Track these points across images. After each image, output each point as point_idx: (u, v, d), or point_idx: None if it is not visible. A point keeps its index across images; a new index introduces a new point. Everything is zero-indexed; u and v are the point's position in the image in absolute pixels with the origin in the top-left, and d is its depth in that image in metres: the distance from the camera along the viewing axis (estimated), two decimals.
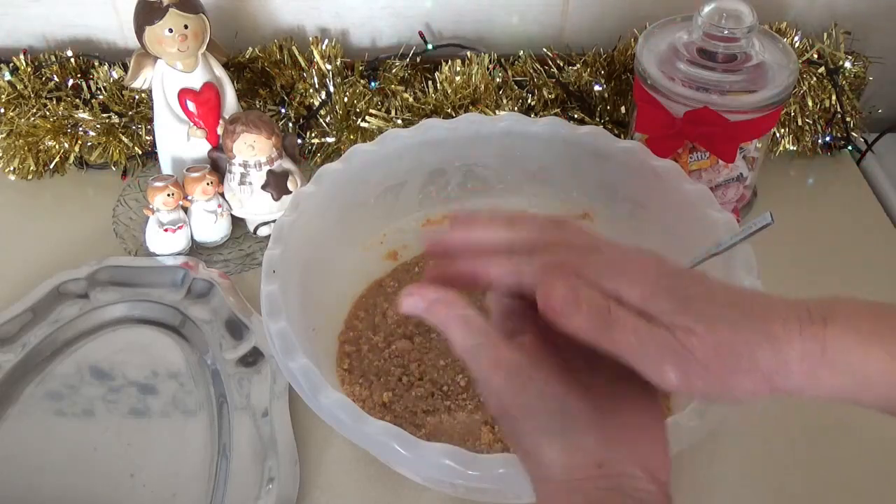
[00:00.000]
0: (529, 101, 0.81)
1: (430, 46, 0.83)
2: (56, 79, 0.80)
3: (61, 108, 0.79)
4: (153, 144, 0.79)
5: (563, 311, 0.35)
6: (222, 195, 0.73)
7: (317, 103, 0.80)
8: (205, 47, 0.71)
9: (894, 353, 0.34)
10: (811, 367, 0.34)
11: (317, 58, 0.79)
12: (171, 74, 0.71)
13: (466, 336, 0.37)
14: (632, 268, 0.36)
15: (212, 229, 0.74)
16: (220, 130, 0.74)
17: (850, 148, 0.85)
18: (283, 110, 0.81)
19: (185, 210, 0.73)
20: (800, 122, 0.81)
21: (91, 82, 0.81)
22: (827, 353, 0.34)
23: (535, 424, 0.35)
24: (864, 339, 0.34)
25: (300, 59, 0.80)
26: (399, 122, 0.78)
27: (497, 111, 0.78)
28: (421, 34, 0.84)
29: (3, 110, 0.79)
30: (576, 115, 0.81)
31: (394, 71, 0.81)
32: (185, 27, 0.68)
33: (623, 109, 0.81)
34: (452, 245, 0.41)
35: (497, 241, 0.40)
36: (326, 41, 0.80)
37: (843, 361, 0.34)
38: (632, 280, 0.35)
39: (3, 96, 0.79)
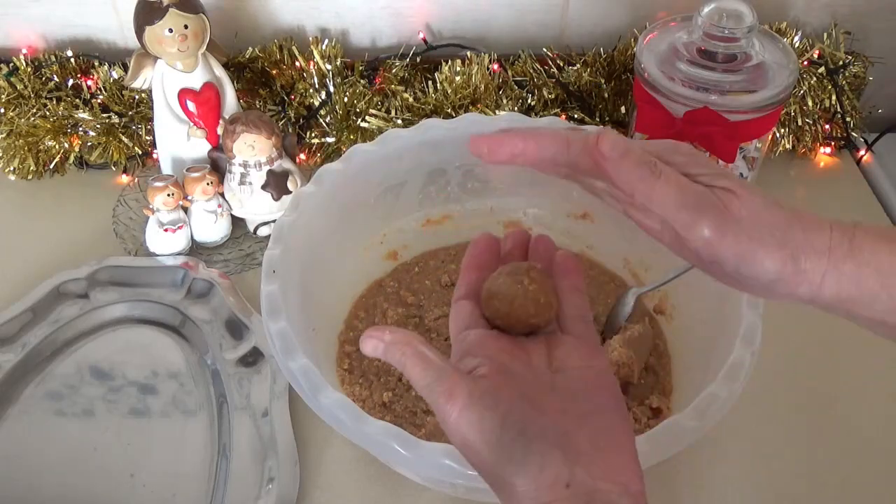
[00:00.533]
0: (529, 101, 0.81)
1: (429, 46, 0.83)
2: (56, 79, 0.80)
3: (61, 108, 0.79)
4: (153, 144, 0.79)
5: (612, 155, 0.36)
6: (222, 195, 0.73)
7: (317, 103, 0.80)
8: (205, 47, 0.71)
9: None
10: (836, 258, 0.35)
11: (317, 58, 0.79)
12: (171, 74, 0.71)
13: (423, 373, 0.38)
14: (672, 143, 0.38)
15: (212, 229, 0.74)
16: (220, 130, 0.74)
17: (850, 148, 0.85)
18: (283, 110, 0.81)
19: (185, 210, 0.73)
20: (800, 122, 0.81)
21: (91, 82, 0.81)
22: (854, 244, 0.35)
23: (497, 452, 0.35)
24: (890, 241, 0.35)
25: (300, 59, 0.80)
26: (399, 122, 0.78)
27: (497, 111, 0.78)
28: (424, 39, 0.84)
29: (3, 110, 0.79)
30: (576, 115, 0.81)
31: (394, 71, 0.81)
32: (185, 27, 0.68)
33: (623, 109, 0.81)
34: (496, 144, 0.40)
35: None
36: (326, 41, 0.80)
37: (868, 255, 0.35)
38: (673, 149, 0.37)
39: (3, 96, 0.79)
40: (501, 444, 0.35)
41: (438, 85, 0.79)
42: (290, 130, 0.80)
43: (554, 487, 0.34)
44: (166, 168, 0.77)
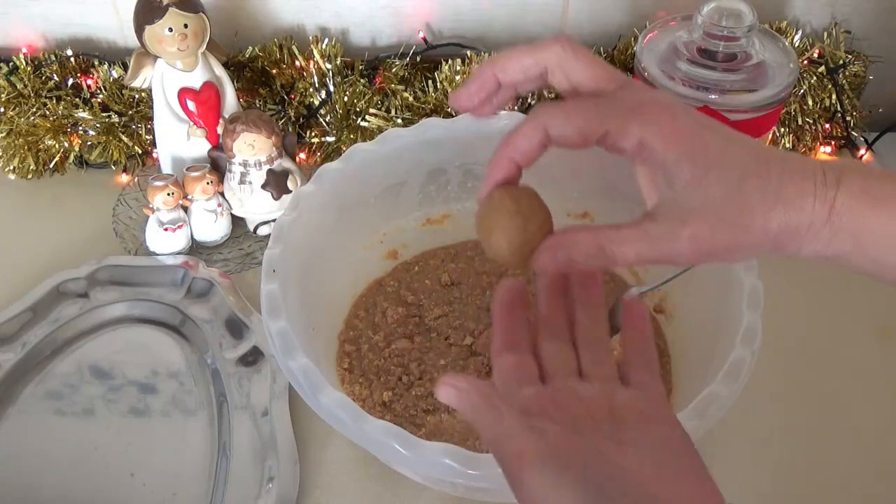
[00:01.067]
0: (529, 100, 0.81)
1: (429, 46, 0.83)
2: (56, 78, 0.80)
3: (61, 107, 0.79)
4: (153, 144, 0.79)
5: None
6: (222, 194, 0.73)
7: (317, 102, 0.80)
8: (205, 46, 0.71)
9: None
10: (815, 230, 0.35)
11: (317, 57, 0.79)
12: (170, 73, 0.71)
13: (492, 430, 0.36)
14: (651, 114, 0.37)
15: (212, 228, 0.74)
16: (220, 130, 0.74)
17: (850, 147, 0.85)
18: (283, 110, 0.81)
19: (185, 209, 0.73)
20: (800, 122, 0.81)
21: (91, 81, 0.81)
22: (833, 215, 0.35)
23: None
24: (873, 201, 0.35)
25: (300, 58, 0.80)
26: (399, 121, 0.78)
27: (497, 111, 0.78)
28: (424, 39, 0.84)
29: (2, 109, 0.78)
30: None
31: (394, 70, 0.81)
32: (185, 26, 0.68)
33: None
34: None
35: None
36: (326, 40, 0.80)
37: (848, 223, 0.35)
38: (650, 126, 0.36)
39: (2, 95, 0.78)
40: None
41: (438, 84, 0.79)
42: (290, 130, 0.80)
43: None
44: (166, 167, 0.77)
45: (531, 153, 0.39)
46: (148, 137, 0.80)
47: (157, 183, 0.71)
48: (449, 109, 0.78)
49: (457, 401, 0.37)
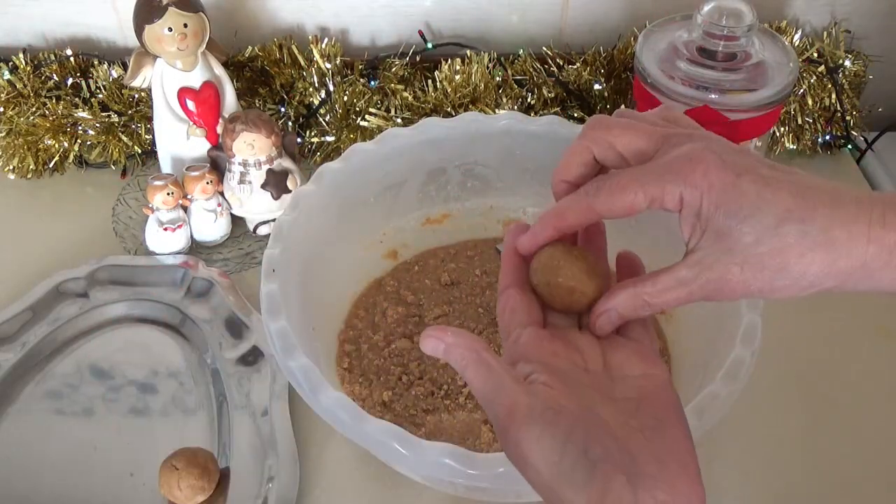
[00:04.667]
0: (529, 99, 0.81)
1: (429, 45, 0.83)
2: (55, 78, 0.80)
3: (61, 106, 0.79)
4: (153, 143, 0.79)
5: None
6: (222, 194, 0.73)
7: (316, 102, 0.80)
8: (204, 46, 0.71)
9: None
10: (872, 271, 0.36)
11: (316, 56, 0.79)
12: (170, 73, 0.71)
13: (483, 383, 0.37)
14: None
15: (211, 228, 0.74)
16: (219, 129, 0.74)
17: (850, 146, 0.85)
18: (282, 109, 0.81)
19: (185, 209, 0.73)
20: (800, 121, 0.81)
21: (90, 81, 0.80)
22: (894, 257, 0.35)
23: (557, 473, 0.34)
24: None
25: (300, 57, 0.80)
26: (399, 120, 0.78)
27: (497, 110, 0.78)
28: (420, 33, 0.84)
29: (2, 109, 0.78)
30: (576, 114, 0.81)
31: (393, 70, 0.81)
32: (185, 26, 0.68)
33: (623, 108, 0.81)
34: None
35: None
36: (326, 40, 0.80)
37: None
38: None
39: (2, 95, 0.78)
40: (562, 466, 0.34)
41: (438, 84, 0.79)
42: (291, 129, 0.80)
43: None
44: (166, 167, 0.77)
45: (577, 227, 0.42)
46: (147, 137, 0.80)
47: (157, 183, 0.70)
48: (448, 109, 0.78)
49: (443, 353, 0.38)
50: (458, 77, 0.79)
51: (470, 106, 0.78)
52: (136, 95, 0.80)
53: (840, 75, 0.81)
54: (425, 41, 0.83)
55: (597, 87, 0.80)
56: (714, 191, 0.36)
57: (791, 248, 0.35)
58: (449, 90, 0.79)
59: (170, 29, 0.68)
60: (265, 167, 0.71)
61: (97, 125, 0.79)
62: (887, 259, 0.35)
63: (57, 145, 0.79)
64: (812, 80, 0.80)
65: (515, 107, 0.80)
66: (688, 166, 0.37)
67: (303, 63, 0.80)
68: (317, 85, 0.79)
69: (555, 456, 0.34)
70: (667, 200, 0.37)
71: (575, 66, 0.81)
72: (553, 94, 0.81)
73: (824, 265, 0.36)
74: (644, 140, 0.39)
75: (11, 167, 0.80)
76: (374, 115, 0.79)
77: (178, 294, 0.69)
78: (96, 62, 0.81)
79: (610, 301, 0.40)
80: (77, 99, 0.80)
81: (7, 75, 0.79)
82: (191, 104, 0.72)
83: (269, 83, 0.82)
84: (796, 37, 0.81)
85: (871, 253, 0.35)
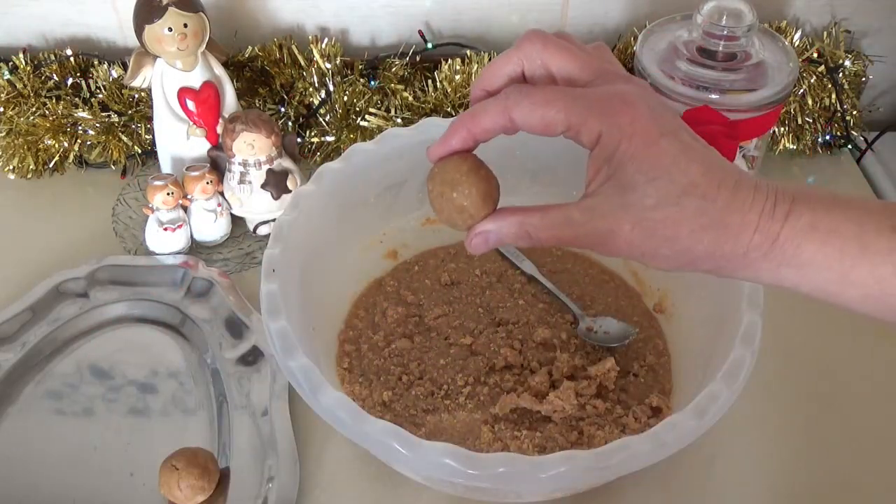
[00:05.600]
0: None
1: (429, 45, 0.83)
2: (55, 78, 0.80)
3: (61, 106, 0.79)
4: (153, 143, 0.79)
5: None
6: (222, 194, 0.73)
7: (316, 102, 0.80)
8: (204, 46, 0.71)
9: (846, 250, 0.35)
10: (751, 260, 0.36)
11: (316, 56, 0.79)
12: (170, 73, 0.71)
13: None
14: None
15: (211, 228, 0.74)
16: (219, 129, 0.74)
17: (849, 146, 0.85)
18: (282, 109, 0.81)
19: (185, 209, 0.73)
20: (800, 121, 0.81)
21: (90, 81, 0.80)
22: (775, 248, 0.36)
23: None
24: (820, 235, 0.35)
25: (300, 57, 0.80)
26: (399, 120, 0.78)
27: None
28: (420, 33, 0.84)
29: (2, 109, 0.78)
30: None
31: (393, 70, 0.81)
32: (185, 26, 0.68)
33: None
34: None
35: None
36: (326, 40, 0.80)
37: (792, 257, 0.36)
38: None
39: (2, 95, 0.78)
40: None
41: (438, 84, 0.79)
42: (291, 129, 0.80)
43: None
44: (166, 167, 0.77)
45: (491, 133, 0.40)
46: (147, 137, 0.80)
47: (157, 182, 0.70)
48: (448, 109, 0.78)
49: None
50: (458, 77, 0.79)
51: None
52: (136, 95, 0.80)
53: (840, 75, 0.81)
54: (425, 41, 0.83)
55: None
56: (635, 140, 0.36)
57: (686, 222, 0.36)
58: (449, 90, 0.79)
59: (170, 29, 0.68)
60: (265, 167, 0.71)
61: (97, 125, 0.79)
62: (767, 250, 0.36)
63: (57, 145, 0.79)
64: (812, 80, 0.80)
65: None
66: (618, 107, 0.36)
67: (303, 63, 0.80)
68: (317, 85, 0.79)
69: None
70: (584, 132, 0.37)
71: None
72: None
73: (710, 246, 0.36)
74: (579, 67, 0.39)
75: (11, 167, 0.80)
76: (374, 115, 0.79)
77: (178, 294, 0.69)
78: (96, 62, 0.81)
79: (493, 223, 0.40)
80: (77, 99, 0.80)
81: (7, 75, 0.79)
82: (191, 104, 0.72)
83: (269, 83, 0.82)
84: (796, 37, 0.81)
85: (754, 242, 0.36)
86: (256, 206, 0.73)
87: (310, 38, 0.81)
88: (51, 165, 0.80)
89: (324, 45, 0.80)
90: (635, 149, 0.36)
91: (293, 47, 0.81)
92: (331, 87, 0.79)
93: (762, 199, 0.36)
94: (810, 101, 0.81)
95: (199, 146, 0.74)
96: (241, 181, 0.72)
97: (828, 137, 0.83)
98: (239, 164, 0.71)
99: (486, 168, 0.42)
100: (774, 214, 0.36)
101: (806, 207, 0.36)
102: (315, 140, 0.80)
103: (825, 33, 0.83)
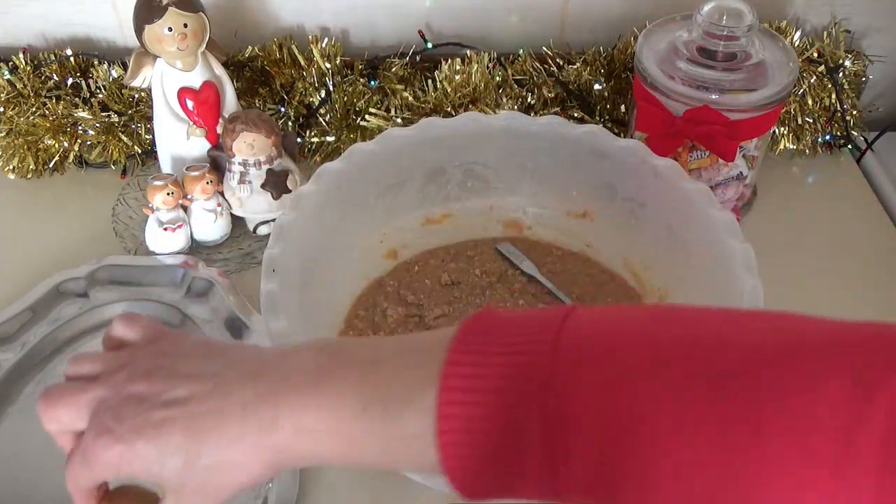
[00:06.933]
0: (529, 99, 0.81)
1: (429, 45, 0.83)
2: (55, 78, 0.80)
3: (61, 106, 0.79)
4: (153, 143, 0.79)
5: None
6: (222, 194, 0.73)
7: (316, 102, 0.80)
8: (204, 46, 0.71)
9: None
10: (268, 475, 0.38)
11: (316, 56, 0.79)
12: (170, 73, 0.71)
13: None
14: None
15: (211, 228, 0.73)
16: (219, 129, 0.74)
17: (849, 146, 0.85)
18: (282, 109, 0.81)
19: (185, 209, 0.73)
20: (800, 121, 0.81)
21: (90, 81, 0.80)
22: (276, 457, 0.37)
23: None
24: (313, 439, 0.36)
25: (300, 57, 0.80)
26: (399, 120, 0.78)
27: (497, 110, 0.78)
28: (420, 33, 0.84)
29: (2, 109, 0.78)
30: (575, 114, 0.81)
31: (393, 70, 0.81)
32: (185, 26, 0.68)
33: (623, 108, 0.81)
34: None
35: None
36: (326, 40, 0.80)
37: (286, 459, 0.37)
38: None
39: (2, 95, 0.78)
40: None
41: (438, 84, 0.79)
42: (291, 129, 0.80)
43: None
44: (166, 167, 0.77)
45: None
46: (147, 137, 0.80)
47: (157, 182, 0.70)
48: (448, 109, 0.78)
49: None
50: (458, 77, 0.79)
51: (470, 106, 0.78)
52: (136, 95, 0.80)
53: (840, 75, 0.81)
54: (425, 41, 0.83)
55: (597, 87, 0.80)
56: (123, 465, 0.38)
57: (209, 480, 0.37)
58: (449, 90, 0.79)
59: (170, 29, 0.68)
60: (265, 167, 0.71)
61: (97, 125, 0.79)
62: (270, 460, 0.37)
63: (57, 145, 0.79)
64: (812, 80, 0.80)
65: (515, 107, 0.80)
66: (90, 455, 0.40)
67: (303, 63, 0.80)
68: (317, 85, 0.79)
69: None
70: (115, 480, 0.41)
71: (575, 66, 0.81)
72: (553, 94, 0.81)
73: (234, 486, 0.37)
74: (77, 416, 0.41)
75: (11, 167, 0.80)
76: (374, 115, 0.79)
77: (177, 294, 0.69)
78: (96, 62, 0.81)
79: None
80: (77, 99, 0.80)
81: (7, 75, 0.79)
82: (191, 104, 0.72)
83: (269, 83, 0.82)
84: (796, 37, 0.81)
85: (265, 461, 0.37)
86: (256, 206, 0.73)
87: (310, 38, 0.81)
88: (51, 165, 0.81)
89: (324, 45, 0.80)
90: (129, 470, 0.39)
91: (293, 47, 0.81)
92: (331, 87, 0.79)
93: (254, 418, 0.37)
94: (810, 101, 0.81)
95: (199, 146, 0.74)
96: (241, 181, 0.72)
97: (828, 137, 0.83)
98: (239, 164, 0.71)
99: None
100: (276, 427, 0.36)
101: (294, 415, 0.37)
102: (315, 140, 0.80)
103: (825, 33, 0.83)
